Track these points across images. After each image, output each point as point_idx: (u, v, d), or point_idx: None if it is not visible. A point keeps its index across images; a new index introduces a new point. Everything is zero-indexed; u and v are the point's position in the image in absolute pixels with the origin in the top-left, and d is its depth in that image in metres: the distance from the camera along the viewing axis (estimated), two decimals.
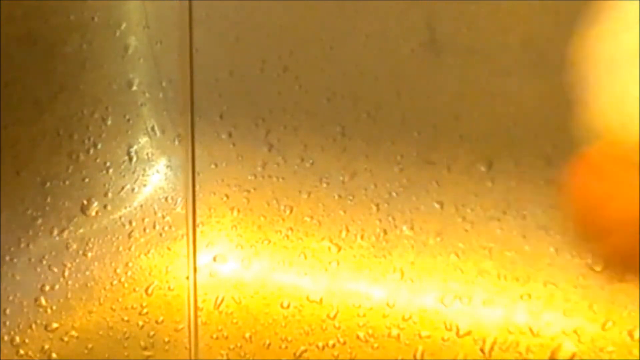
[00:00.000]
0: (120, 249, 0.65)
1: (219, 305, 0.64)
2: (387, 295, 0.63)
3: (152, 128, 0.67)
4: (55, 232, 0.64)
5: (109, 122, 0.66)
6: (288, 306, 0.63)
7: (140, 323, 0.63)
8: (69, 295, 0.63)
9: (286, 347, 0.62)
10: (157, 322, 0.63)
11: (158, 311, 0.63)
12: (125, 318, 0.63)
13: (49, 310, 0.62)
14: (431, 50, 0.60)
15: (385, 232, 0.64)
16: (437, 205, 0.63)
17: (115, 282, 0.64)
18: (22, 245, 0.63)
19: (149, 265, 0.65)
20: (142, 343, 0.62)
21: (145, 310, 0.63)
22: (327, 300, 0.63)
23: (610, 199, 0.28)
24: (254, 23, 0.64)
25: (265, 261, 0.65)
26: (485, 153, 0.62)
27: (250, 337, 0.62)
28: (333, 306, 0.63)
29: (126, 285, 0.64)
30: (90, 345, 0.61)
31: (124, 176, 0.67)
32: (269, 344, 0.62)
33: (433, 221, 0.63)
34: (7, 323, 0.61)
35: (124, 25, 0.65)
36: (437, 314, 0.62)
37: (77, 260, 0.64)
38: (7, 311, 0.61)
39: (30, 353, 0.60)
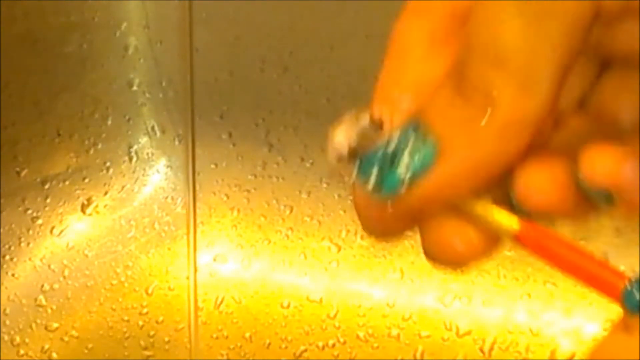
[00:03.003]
0: (120, 249, 0.65)
1: (219, 305, 0.64)
2: (387, 295, 0.63)
3: (152, 128, 0.67)
4: (55, 232, 0.64)
5: (109, 122, 0.66)
6: (288, 306, 0.63)
7: (141, 323, 0.63)
8: (69, 295, 0.63)
9: (286, 347, 0.62)
10: (157, 322, 0.63)
11: (158, 311, 0.63)
12: (126, 318, 0.63)
13: (49, 310, 0.62)
14: None
15: None
16: None
17: (115, 282, 0.64)
18: (22, 245, 0.63)
19: (149, 265, 0.65)
20: (142, 343, 0.62)
21: (145, 310, 0.63)
22: (327, 300, 0.63)
23: None
24: (254, 23, 0.64)
25: (265, 261, 0.65)
26: None
27: (251, 337, 0.62)
28: (333, 306, 0.63)
29: (126, 285, 0.64)
30: (90, 345, 0.61)
31: (124, 176, 0.67)
32: (269, 344, 0.62)
33: None
34: (7, 323, 0.61)
35: (124, 25, 0.65)
36: (437, 314, 0.62)
37: (77, 260, 0.64)
38: (7, 311, 0.61)
39: (30, 353, 0.60)
